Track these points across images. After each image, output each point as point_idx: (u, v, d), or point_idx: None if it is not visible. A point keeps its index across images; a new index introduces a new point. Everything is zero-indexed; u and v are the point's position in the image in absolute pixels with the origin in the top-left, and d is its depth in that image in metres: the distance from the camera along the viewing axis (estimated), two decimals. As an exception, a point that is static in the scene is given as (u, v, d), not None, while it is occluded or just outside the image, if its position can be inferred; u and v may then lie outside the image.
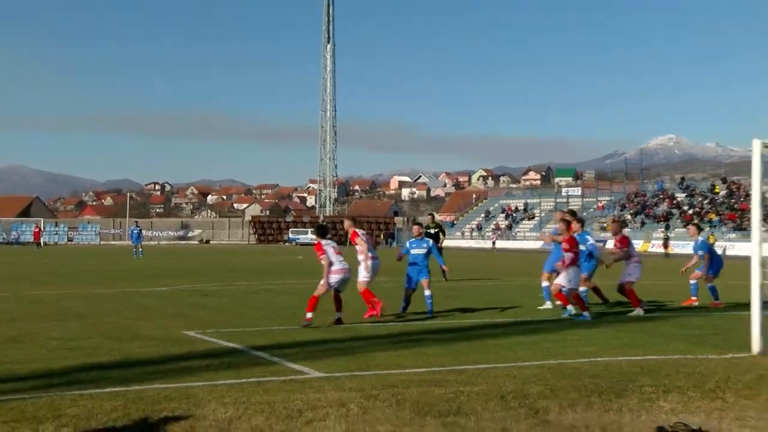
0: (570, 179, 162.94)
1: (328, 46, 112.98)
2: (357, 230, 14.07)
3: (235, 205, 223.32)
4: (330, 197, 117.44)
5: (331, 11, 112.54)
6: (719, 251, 17.39)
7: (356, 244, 13.86)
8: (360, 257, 13.78)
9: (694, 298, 16.65)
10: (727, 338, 11.09)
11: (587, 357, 9.51)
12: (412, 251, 14.79)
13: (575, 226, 14.93)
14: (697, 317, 14.43)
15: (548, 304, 15.58)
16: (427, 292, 14.39)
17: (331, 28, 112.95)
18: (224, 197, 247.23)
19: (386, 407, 6.71)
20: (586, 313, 13.94)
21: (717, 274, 16.70)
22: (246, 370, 8.41)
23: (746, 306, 9.99)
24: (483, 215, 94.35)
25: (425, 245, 14.89)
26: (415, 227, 15.66)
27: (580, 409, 6.76)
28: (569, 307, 14.08)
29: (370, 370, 8.52)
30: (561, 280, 14.02)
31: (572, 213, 15.20)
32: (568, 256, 13.95)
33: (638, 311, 14.74)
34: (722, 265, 16.86)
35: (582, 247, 14.66)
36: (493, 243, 73.81)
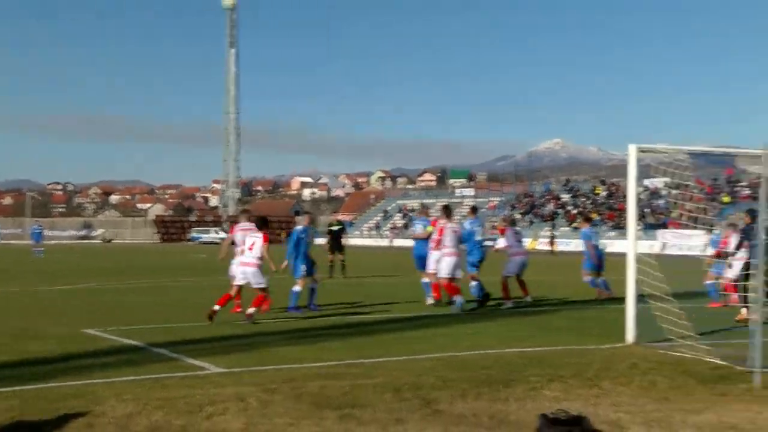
0: (464, 180, 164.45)
1: (232, 51, 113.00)
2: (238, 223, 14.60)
3: (138, 205, 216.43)
4: (233, 197, 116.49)
5: (234, 17, 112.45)
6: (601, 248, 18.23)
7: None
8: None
9: (604, 291, 17.12)
10: (607, 330, 11.69)
11: (479, 349, 9.93)
12: (307, 239, 14.62)
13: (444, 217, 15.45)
14: (580, 310, 15.21)
15: (430, 300, 15.89)
16: (311, 285, 14.54)
17: (234, 33, 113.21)
18: (128, 197, 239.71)
19: (285, 401, 6.86)
20: (460, 298, 14.43)
21: (598, 268, 17.49)
22: (146, 367, 8.43)
23: (623, 299, 10.61)
24: (381, 215, 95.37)
25: (312, 234, 14.94)
26: (307, 215, 15.63)
27: (470, 399, 7.09)
28: (456, 298, 14.43)
29: (270, 364, 8.67)
30: (443, 272, 14.57)
31: (446, 207, 15.65)
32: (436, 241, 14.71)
33: (507, 304, 15.34)
34: (603, 260, 17.66)
35: (467, 227, 15.67)
36: (391, 241, 74.68)
